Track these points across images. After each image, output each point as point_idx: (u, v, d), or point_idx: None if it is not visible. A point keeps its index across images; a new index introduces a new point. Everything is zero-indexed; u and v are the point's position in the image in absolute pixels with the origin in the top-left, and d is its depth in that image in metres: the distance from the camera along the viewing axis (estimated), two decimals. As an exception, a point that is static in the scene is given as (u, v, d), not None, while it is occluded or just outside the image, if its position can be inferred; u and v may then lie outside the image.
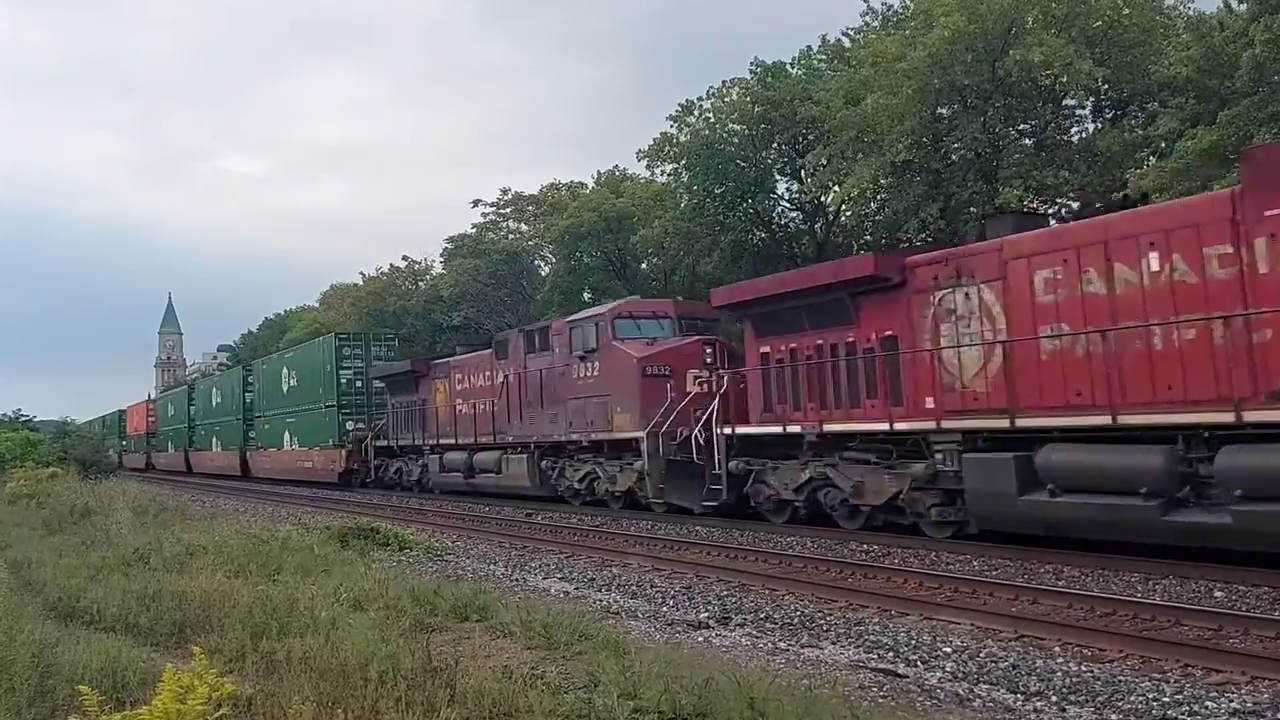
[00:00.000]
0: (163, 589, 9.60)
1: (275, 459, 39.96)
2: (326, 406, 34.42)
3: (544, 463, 22.17)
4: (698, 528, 17.09)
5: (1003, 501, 11.85)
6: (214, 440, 49.73)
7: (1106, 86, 25.81)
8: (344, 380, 33.99)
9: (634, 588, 11.69)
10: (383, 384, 32.59)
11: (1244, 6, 21.32)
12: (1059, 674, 7.26)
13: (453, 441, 25.93)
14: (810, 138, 31.92)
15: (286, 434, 38.75)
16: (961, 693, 6.96)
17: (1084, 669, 7.36)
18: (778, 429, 15.83)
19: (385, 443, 31.02)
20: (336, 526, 16.73)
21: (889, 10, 30.17)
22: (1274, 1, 19.57)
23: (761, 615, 9.82)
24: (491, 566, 13.94)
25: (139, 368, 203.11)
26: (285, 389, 39.28)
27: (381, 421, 32.00)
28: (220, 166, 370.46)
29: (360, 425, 33.28)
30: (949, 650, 8.09)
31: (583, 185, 48.32)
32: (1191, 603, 9.33)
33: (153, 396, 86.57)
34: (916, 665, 7.75)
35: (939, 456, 13.09)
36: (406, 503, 26.60)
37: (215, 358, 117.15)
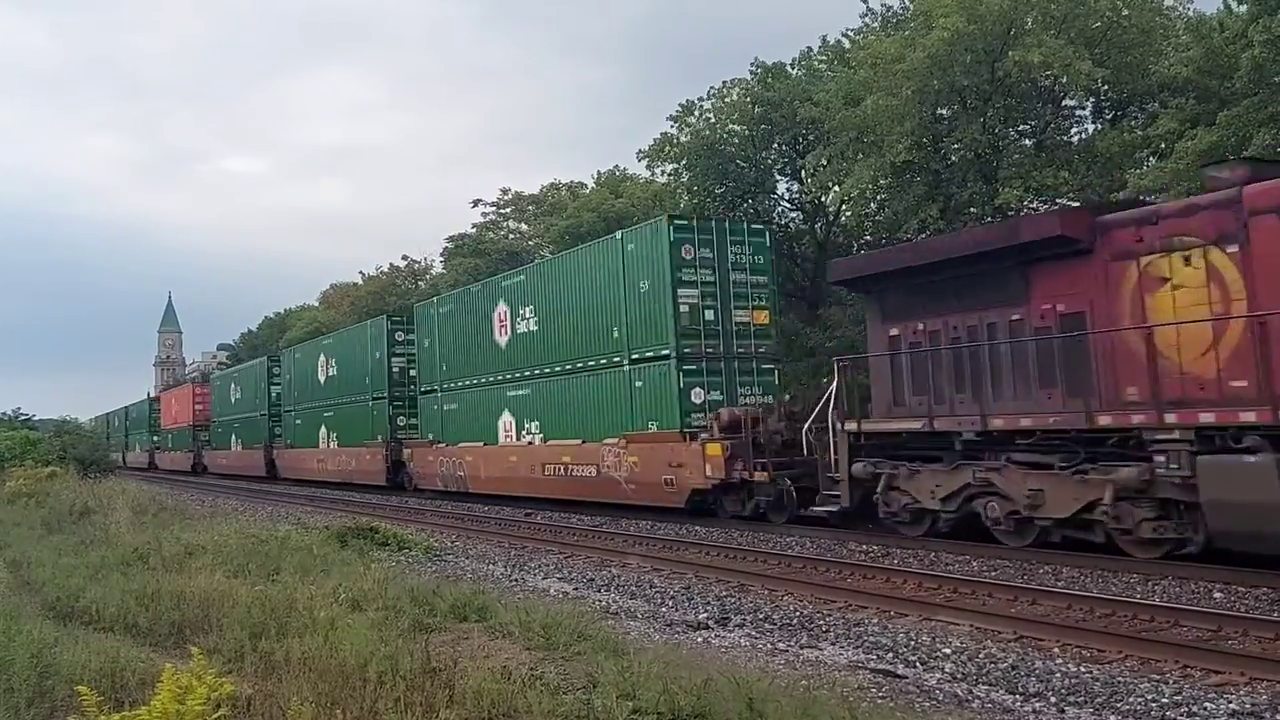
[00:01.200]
0: (162, 589, 9.60)
1: (482, 462, 24.30)
2: (654, 359, 18.54)
3: None
4: (696, 528, 17.08)
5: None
6: (323, 433, 34.53)
7: (1106, 87, 25.83)
8: (683, 307, 18.10)
9: (633, 588, 11.70)
10: (861, 297, 17.11)
11: (1244, 7, 21.34)
12: (1058, 675, 7.26)
13: None
14: (810, 138, 31.95)
15: (508, 420, 23.45)
16: (960, 694, 6.96)
17: (1083, 670, 7.37)
18: None
19: (889, 427, 14.03)
20: (336, 526, 16.73)
21: (888, 11, 30.21)
22: (1273, 2, 19.59)
23: (760, 616, 9.82)
24: (491, 567, 13.94)
25: (139, 367, 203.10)
26: (501, 342, 23.92)
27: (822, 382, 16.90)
28: (220, 167, 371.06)
29: (715, 395, 18.09)
30: (948, 651, 8.09)
31: (583, 185, 48.43)
32: (1190, 604, 9.33)
33: (200, 376, 79.10)
34: (915, 666, 7.75)
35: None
36: (406, 503, 26.50)
37: (215, 356, 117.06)
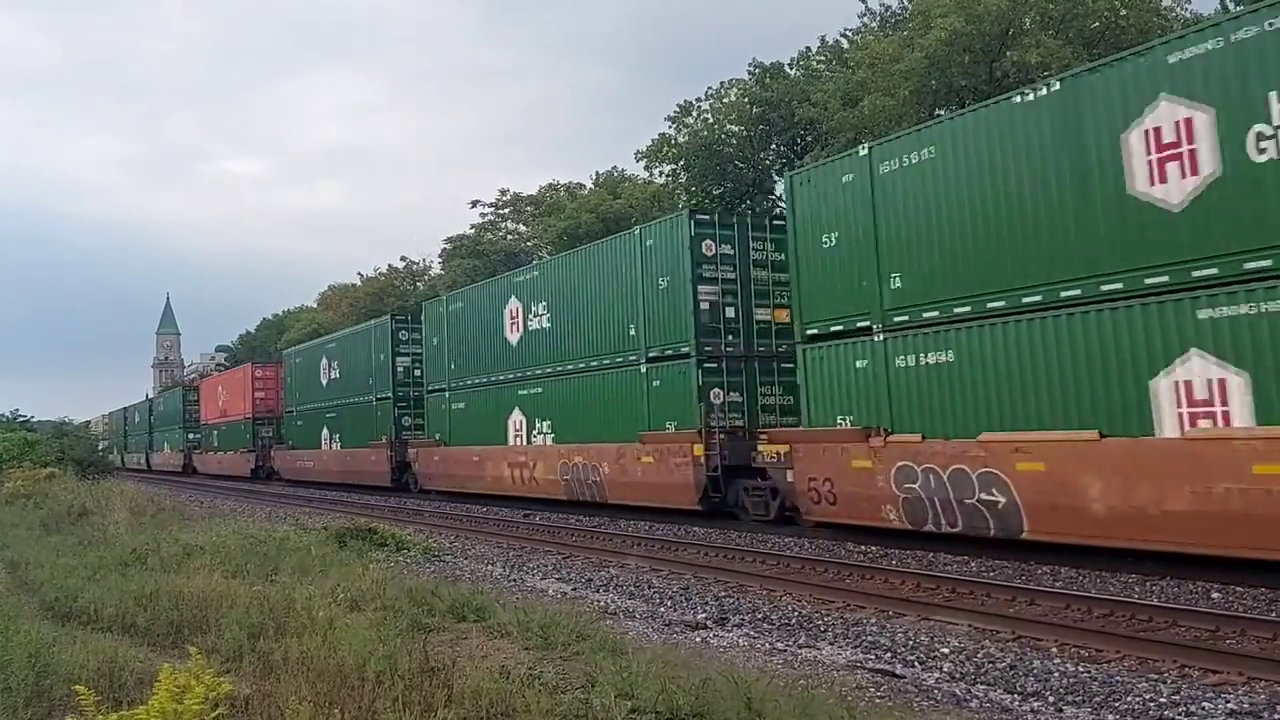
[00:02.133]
0: (160, 589, 9.60)
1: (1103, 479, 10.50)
2: None
3: None
4: (695, 528, 17.09)
5: None
6: (515, 423, 22.33)
7: (1104, 88, 25.86)
8: None
9: (632, 588, 11.69)
10: None
11: (1241, 8, 21.38)
12: (1056, 675, 7.27)
13: None
14: (809, 139, 32.02)
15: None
16: (959, 693, 6.96)
17: (1081, 670, 7.37)
18: None
19: None
20: (334, 527, 16.71)
21: (887, 11, 30.27)
22: (1271, 3, 19.61)
23: (759, 616, 9.82)
24: (489, 567, 13.94)
25: (137, 368, 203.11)
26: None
27: None
28: (220, 168, 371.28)
29: None
30: (946, 651, 8.10)
31: (581, 186, 48.52)
32: (1188, 604, 9.34)
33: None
34: (914, 666, 7.76)
35: None
36: (404, 503, 26.46)
37: (213, 358, 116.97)
